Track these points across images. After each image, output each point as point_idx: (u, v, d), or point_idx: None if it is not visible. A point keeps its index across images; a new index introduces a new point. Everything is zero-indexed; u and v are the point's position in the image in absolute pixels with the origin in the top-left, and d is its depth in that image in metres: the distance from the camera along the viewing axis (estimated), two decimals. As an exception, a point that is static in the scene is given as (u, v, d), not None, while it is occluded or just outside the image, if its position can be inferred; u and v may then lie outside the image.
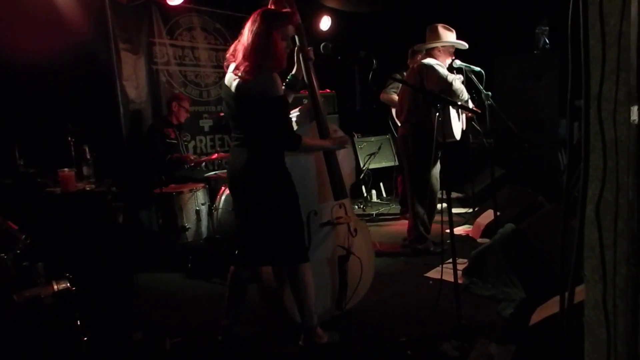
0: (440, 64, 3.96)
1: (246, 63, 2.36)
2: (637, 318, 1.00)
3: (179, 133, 4.83)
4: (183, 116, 4.84)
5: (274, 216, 2.49)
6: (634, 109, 1.05)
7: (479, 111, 4.18)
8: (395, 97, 5.23)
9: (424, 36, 4.18)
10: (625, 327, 1.05)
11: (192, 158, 4.76)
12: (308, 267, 2.57)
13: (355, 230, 2.97)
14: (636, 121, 1.04)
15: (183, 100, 4.83)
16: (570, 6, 1.21)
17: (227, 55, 2.53)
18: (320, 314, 2.77)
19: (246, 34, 2.41)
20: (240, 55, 2.40)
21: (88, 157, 3.10)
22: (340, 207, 2.90)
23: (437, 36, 4.06)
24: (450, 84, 3.85)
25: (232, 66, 2.49)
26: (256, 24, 2.39)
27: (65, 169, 2.82)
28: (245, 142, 2.48)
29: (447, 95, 3.77)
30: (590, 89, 1.21)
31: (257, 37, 2.37)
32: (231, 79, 2.46)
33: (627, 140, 1.09)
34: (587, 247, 1.22)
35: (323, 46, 2.66)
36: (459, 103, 3.82)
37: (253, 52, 2.36)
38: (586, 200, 1.21)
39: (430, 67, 3.93)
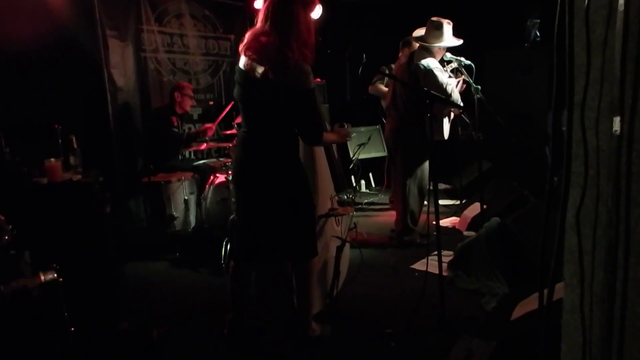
0: (439, 68, 3.90)
1: (283, 55, 2.20)
2: (612, 325, 1.02)
3: (182, 122, 4.79)
4: (188, 104, 4.74)
5: (295, 212, 2.43)
6: (617, 119, 1.06)
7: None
8: (383, 88, 5.21)
9: (415, 26, 4.14)
10: (600, 332, 1.07)
11: (208, 127, 4.79)
12: (316, 261, 2.58)
13: (339, 219, 3.00)
14: (618, 132, 1.06)
15: (185, 88, 4.72)
16: (557, 14, 1.22)
17: (243, 49, 2.30)
18: (316, 305, 2.80)
19: (270, 21, 2.23)
20: (269, 48, 2.21)
21: (75, 146, 3.07)
22: (330, 199, 2.91)
23: (440, 34, 3.92)
24: (450, 95, 3.80)
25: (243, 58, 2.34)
26: (283, 6, 2.23)
27: (52, 158, 2.79)
28: (265, 134, 2.37)
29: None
30: (574, 96, 1.22)
31: (288, 20, 2.22)
32: (256, 66, 2.28)
33: (608, 150, 1.10)
34: (567, 251, 1.24)
35: None
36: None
37: (287, 40, 2.20)
38: (567, 205, 1.23)
39: (430, 72, 3.85)
